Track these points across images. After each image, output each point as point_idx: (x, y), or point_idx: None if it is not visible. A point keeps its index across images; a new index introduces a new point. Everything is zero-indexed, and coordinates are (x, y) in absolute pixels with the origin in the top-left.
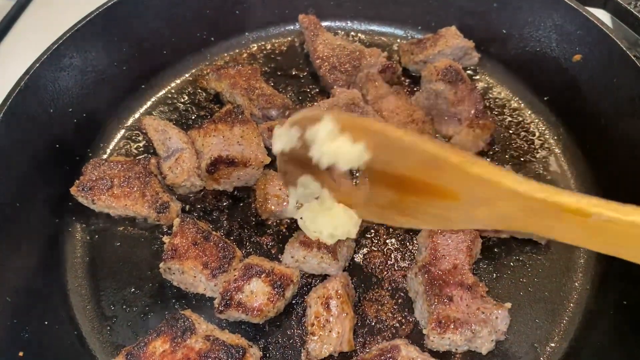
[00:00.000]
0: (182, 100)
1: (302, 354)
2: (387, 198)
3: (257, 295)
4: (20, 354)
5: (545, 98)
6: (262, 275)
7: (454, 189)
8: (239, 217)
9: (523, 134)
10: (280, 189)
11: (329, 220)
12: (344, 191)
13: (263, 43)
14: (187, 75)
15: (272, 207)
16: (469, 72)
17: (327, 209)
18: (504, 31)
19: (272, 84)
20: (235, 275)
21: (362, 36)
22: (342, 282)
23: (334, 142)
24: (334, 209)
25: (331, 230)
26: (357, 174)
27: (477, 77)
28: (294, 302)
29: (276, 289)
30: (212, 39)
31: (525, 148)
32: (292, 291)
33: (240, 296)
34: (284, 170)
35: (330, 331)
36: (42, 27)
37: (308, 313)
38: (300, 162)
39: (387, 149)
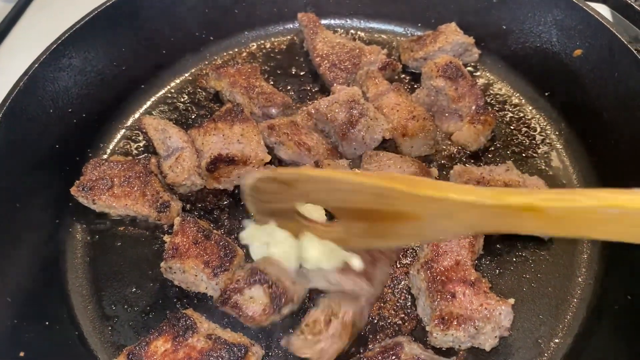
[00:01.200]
0: (182, 100)
1: (283, 339)
2: (359, 228)
3: (255, 303)
4: (22, 354)
5: (546, 93)
6: (265, 285)
7: (412, 211)
8: (240, 216)
9: (524, 129)
10: None
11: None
12: (322, 230)
13: (262, 42)
14: (186, 74)
15: None
16: (469, 68)
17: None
18: (504, 27)
19: (271, 83)
20: (240, 275)
21: (362, 34)
22: (355, 312)
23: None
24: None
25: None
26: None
27: (478, 73)
28: None
29: (274, 304)
30: (212, 38)
31: (527, 144)
32: (290, 309)
33: (238, 298)
34: (257, 214)
35: (317, 342)
36: (42, 28)
37: (311, 311)
38: (273, 212)
39: (337, 190)
